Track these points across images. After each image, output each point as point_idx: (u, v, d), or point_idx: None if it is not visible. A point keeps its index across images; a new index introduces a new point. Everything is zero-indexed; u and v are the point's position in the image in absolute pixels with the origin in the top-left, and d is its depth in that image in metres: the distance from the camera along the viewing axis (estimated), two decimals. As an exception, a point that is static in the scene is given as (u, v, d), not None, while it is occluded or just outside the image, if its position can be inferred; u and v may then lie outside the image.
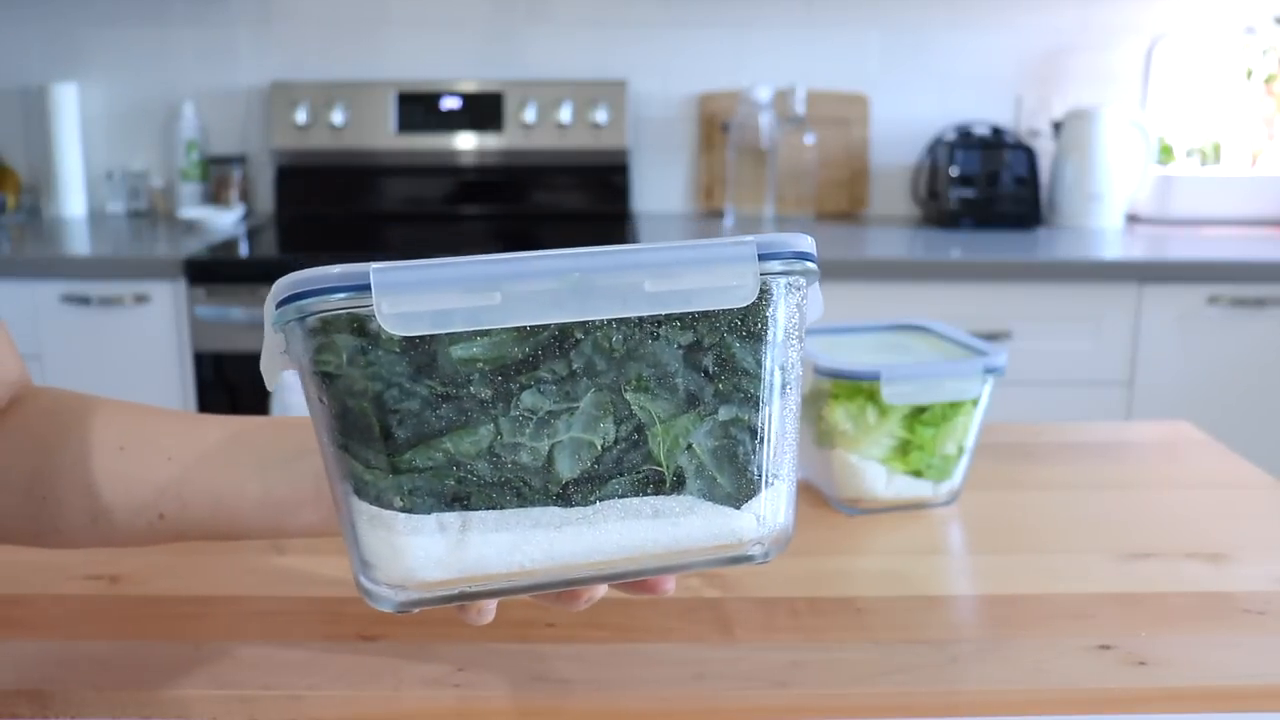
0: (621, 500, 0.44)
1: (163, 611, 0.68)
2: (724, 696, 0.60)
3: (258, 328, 1.82)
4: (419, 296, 0.41)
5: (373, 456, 0.43)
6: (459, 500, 0.43)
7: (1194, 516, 0.84)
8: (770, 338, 0.44)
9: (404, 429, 0.42)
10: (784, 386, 0.45)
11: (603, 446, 0.44)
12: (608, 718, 0.60)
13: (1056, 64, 2.31)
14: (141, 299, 1.86)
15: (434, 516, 0.43)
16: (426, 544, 0.43)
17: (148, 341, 1.87)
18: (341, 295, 0.41)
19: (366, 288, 0.41)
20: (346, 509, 0.44)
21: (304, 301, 0.42)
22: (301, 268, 0.43)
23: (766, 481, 0.46)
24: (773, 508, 0.46)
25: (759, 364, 0.45)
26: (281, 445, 0.53)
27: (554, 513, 0.44)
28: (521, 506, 0.44)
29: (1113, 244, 2.08)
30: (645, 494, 0.45)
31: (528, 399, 0.43)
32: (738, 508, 0.45)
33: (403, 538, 0.43)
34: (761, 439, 0.45)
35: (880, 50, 2.31)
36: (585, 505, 0.44)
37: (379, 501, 0.43)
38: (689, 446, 0.45)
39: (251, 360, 1.87)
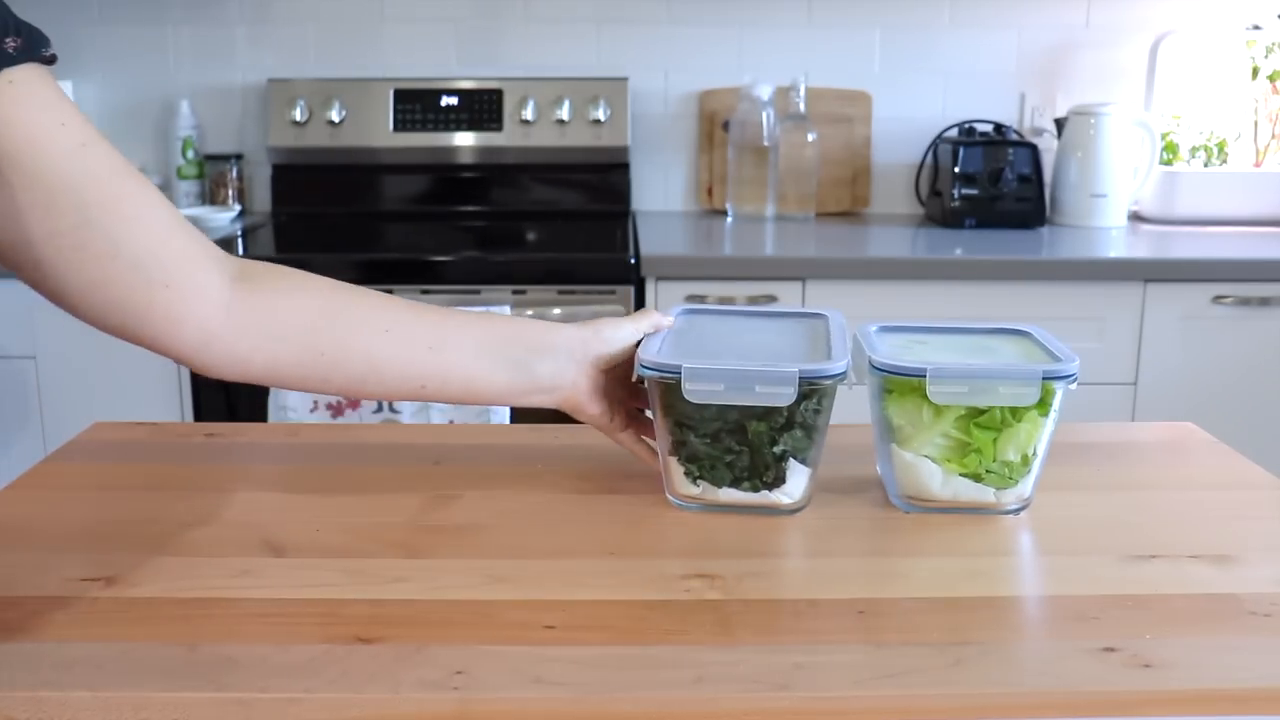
0: None
1: (158, 613, 0.68)
2: (724, 699, 0.60)
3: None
4: None
5: None
6: None
7: (1199, 518, 0.83)
8: None
9: None
10: None
11: None
12: (607, 721, 0.59)
13: (1060, 61, 2.31)
14: (140, 297, 1.85)
15: None
16: None
17: (146, 340, 1.87)
18: None
19: None
20: None
21: None
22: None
23: None
24: None
25: None
26: (520, 345, 0.77)
27: None
28: None
29: (1117, 243, 2.07)
30: None
31: None
32: None
33: None
34: None
35: (882, 47, 2.31)
36: None
37: None
38: None
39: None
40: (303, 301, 0.71)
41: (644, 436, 0.86)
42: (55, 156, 0.61)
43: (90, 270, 0.64)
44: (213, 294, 0.67)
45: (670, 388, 0.79)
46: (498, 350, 0.76)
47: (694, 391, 0.78)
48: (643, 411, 0.87)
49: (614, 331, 0.81)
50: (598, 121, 2.23)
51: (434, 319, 0.76)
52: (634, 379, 0.81)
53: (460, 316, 0.78)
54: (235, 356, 0.69)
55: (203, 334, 0.67)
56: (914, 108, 2.31)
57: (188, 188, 2.28)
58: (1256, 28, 2.23)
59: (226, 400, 1.93)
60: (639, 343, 0.82)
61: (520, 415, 1.77)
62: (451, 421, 1.71)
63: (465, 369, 0.75)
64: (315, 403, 1.71)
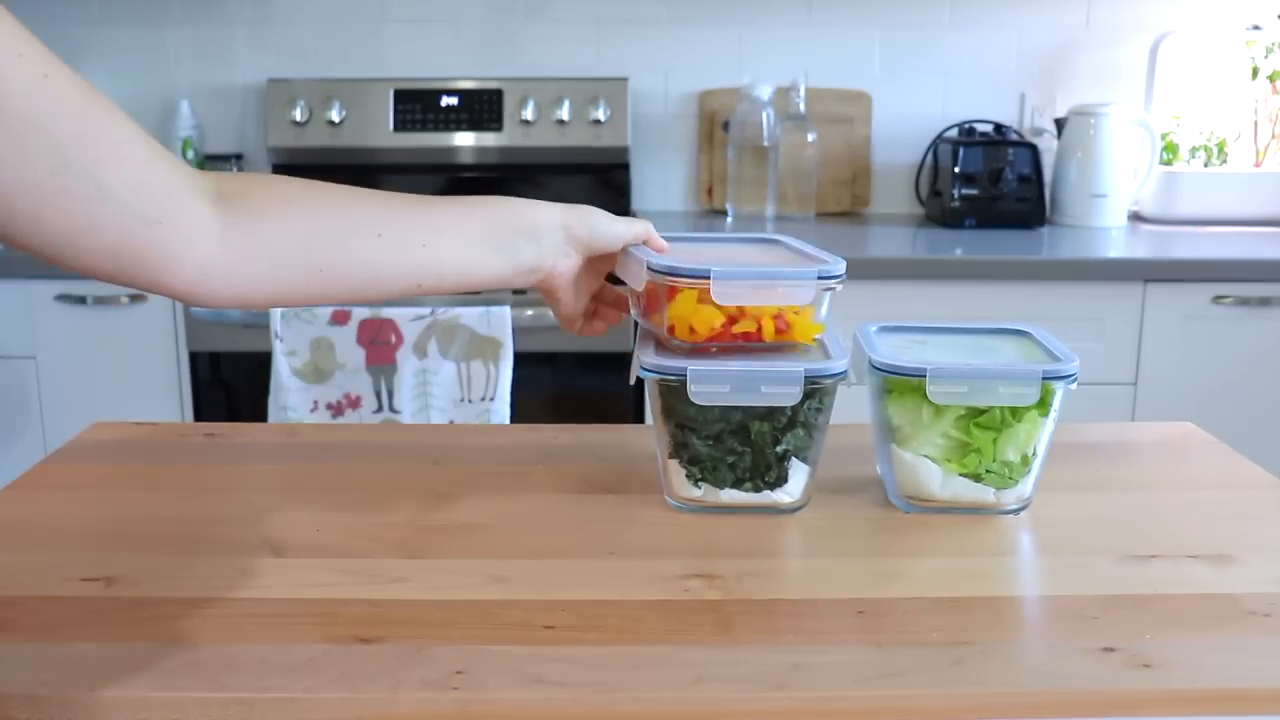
0: None
1: (158, 613, 0.68)
2: (724, 699, 0.60)
3: (254, 327, 1.81)
4: None
5: None
6: None
7: (1199, 518, 0.84)
8: None
9: None
10: None
11: None
12: (607, 721, 0.59)
13: (1060, 61, 2.31)
14: (137, 298, 1.85)
15: None
16: None
17: (143, 341, 1.87)
18: None
19: None
20: None
21: None
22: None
23: None
24: None
25: None
26: (508, 229, 0.77)
27: None
28: None
29: (1117, 243, 2.07)
30: None
31: None
32: None
33: None
34: None
35: (882, 47, 2.31)
36: None
37: None
38: None
39: (247, 359, 1.87)
40: (295, 221, 0.68)
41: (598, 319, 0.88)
42: (16, 95, 0.53)
43: (78, 217, 0.57)
44: (204, 226, 0.63)
45: (672, 390, 0.79)
46: (488, 237, 0.76)
47: (699, 393, 0.78)
48: (606, 305, 0.88)
49: (602, 223, 0.81)
50: (598, 121, 2.23)
51: (423, 212, 0.74)
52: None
53: (449, 206, 0.76)
54: (234, 288, 0.66)
55: (200, 271, 0.63)
56: (914, 108, 2.31)
57: (188, 188, 2.28)
58: (1256, 28, 2.23)
59: (226, 400, 1.93)
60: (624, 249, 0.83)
61: (520, 412, 1.77)
62: (451, 421, 1.71)
63: (458, 260, 0.75)
64: (315, 403, 1.71)
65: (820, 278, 0.80)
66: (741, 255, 0.88)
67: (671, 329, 0.81)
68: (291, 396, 1.70)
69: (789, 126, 2.21)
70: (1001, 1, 2.28)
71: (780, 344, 0.82)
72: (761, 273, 0.81)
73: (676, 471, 0.82)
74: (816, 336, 0.83)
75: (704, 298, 0.79)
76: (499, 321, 1.72)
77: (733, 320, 0.80)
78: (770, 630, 0.66)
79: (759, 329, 0.81)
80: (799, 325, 0.82)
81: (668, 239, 0.88)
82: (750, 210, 2.22)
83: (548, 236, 0.78)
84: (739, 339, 0.81)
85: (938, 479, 0.81)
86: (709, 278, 0.78)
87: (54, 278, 1.85)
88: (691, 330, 0.81)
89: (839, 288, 0.81)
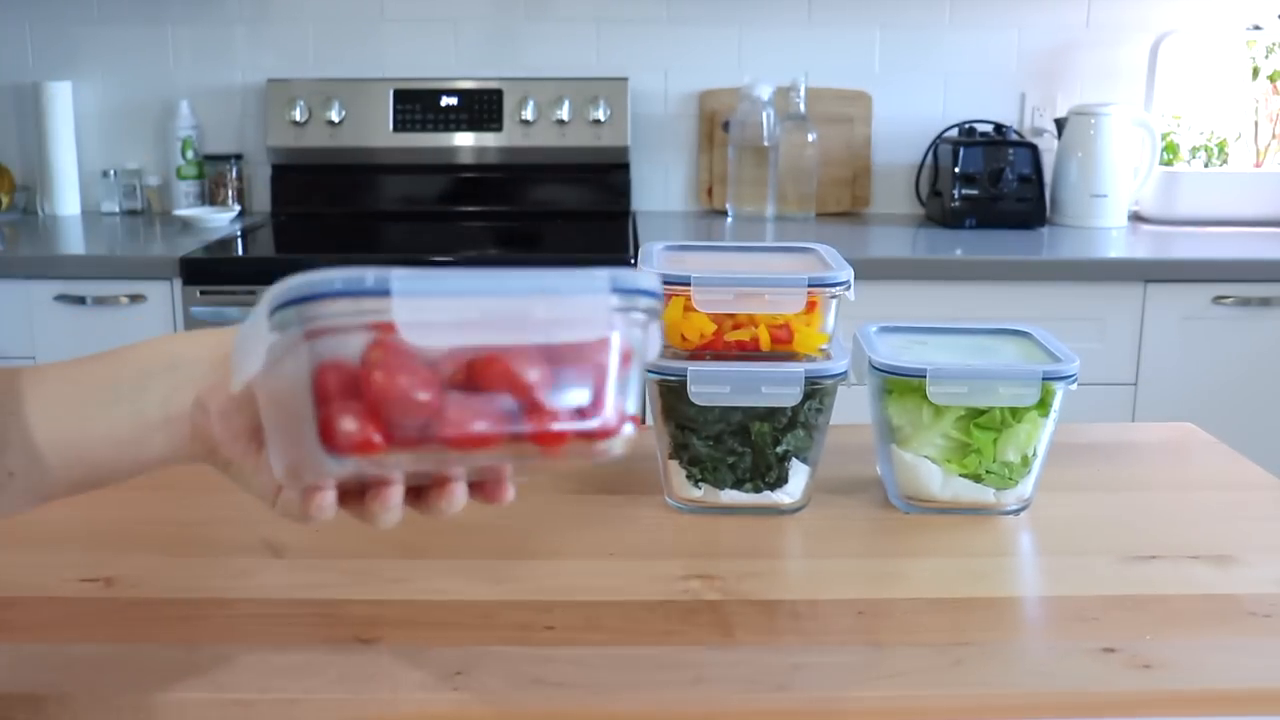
0: None
1: (158, 614, 0.68)
2: (724, 700, 0.60)
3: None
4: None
5: None
6: None
7: (1199, 518, 0.83)
8: None
9: None
10: None
11: None
12: (607, 722, 0.59)
13: (1060, 61, 2.31)
14: (137, 298, 1.85)
15: None
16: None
17: (146, 340, 1.87)
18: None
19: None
20: None
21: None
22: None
23: None
24: None
25: None
26: (121, 375, 0.51)
27: None
28: None
29: (1117, 243, 2.07)
30: None
31: None
32: None
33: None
34: None
35: (882, 47, 2.31)
36: None
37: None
38: None
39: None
40: None
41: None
42: None
43: None
44: None
45: (672, 390, 0.79)
46: (100, 390, 0.51)
47: (700, 394, 0.77)
48: None
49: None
50: (598, 121, 2.23)
51: (22, 378, 0.52)
52: None
53: (55, 365, 0.53)
54: None
55: None
56: (914, 108, 2.31)
57: (187, 188, 2.28)
58: (1257, 28, 2.23)
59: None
60: None
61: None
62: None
63: (56, 429, 0.50)
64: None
65: (813, 285, 0.78)
66: (764, 265, 0.86)
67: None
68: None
69: (789, 126, 2.21)
70: (1002, 1, 2.28)
71: (779, 354, 0.80)
72: (745, 280, 0.79)
73: (676, 472, 0.82)
74: (822, 346, 0.82)
75: (691, 305, 0.78)
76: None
77: (727, 328, 0.80)
78: (770, 631, 0.66)
79: (755, 338, 0.80)
80: (802, 335, 0.81)
81: (700, 249, 0.86)
82: (750, 210, 2.22)
83: (187, 364, 0.51)
84: (733, 347, 0.80)
85: (938, 479, 0.81)
86: (689, 284, 0.77)
87: (53, 277, 1.85)
88: (683, 338, 0.80)
89: (848, 296, 0.80)
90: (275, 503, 0.53)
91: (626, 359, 0.47)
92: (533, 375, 0.45)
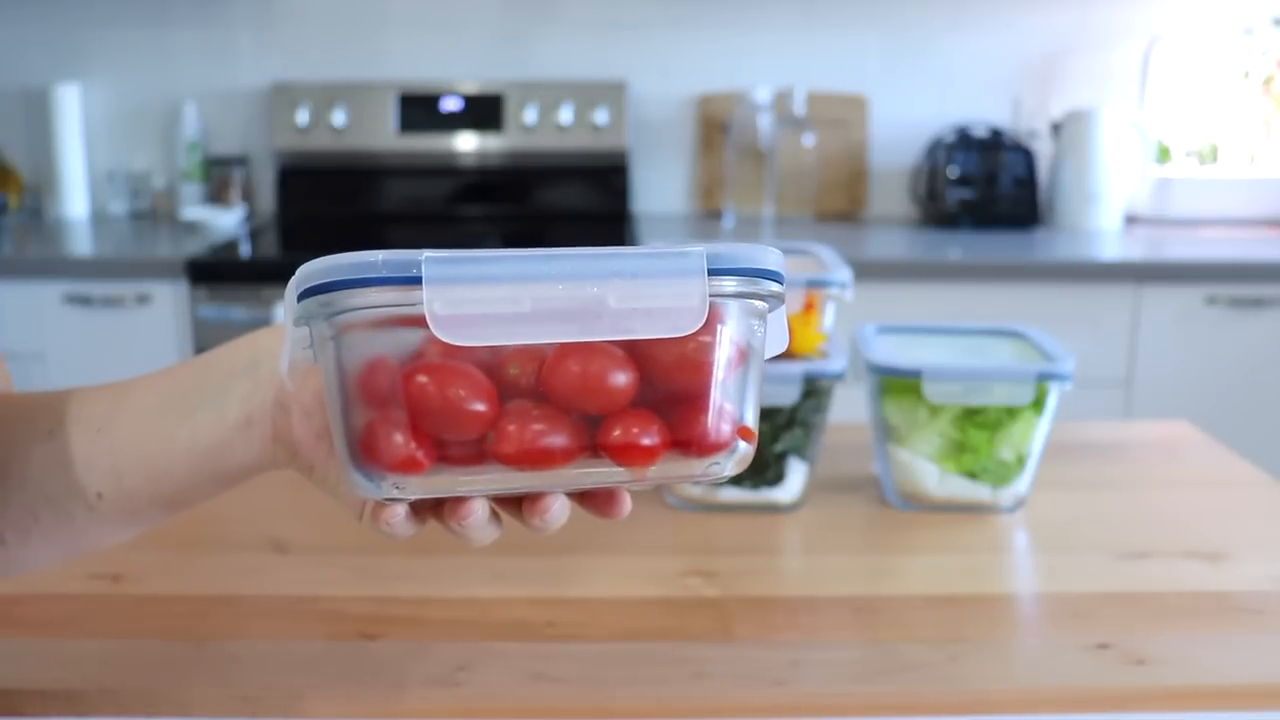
0: None
1: (164, 610, 0.68)
2: (722, 695, 0.60)
3: (259, 328, 1.81)
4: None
5: None
6: None
7: (1192, 516, 0.84)
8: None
9: None
10: None
11: None
12: (607, 717, 0.60)
13: (1055, 65, 2.32)
14: (143, 299, 1.86)
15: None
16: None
17: (149, 342, 1.87)
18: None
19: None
20: None
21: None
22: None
23: None
24: None
25: None
26: (207, 379, 0.48)
27: None
28: None
29: (1111, 244, 2.08)
30: None
31: None
32: None
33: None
34: None
35: (879, 51, 2.32)
36: None
37: None
38: None
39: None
40: None
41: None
42: None
43: None
44: None
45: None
46: (184, 397, 0.48)
47: None
48: None
49: None
50: (598, 125, 2.24)
51: (112, 393, 0.50)
52: None
53: (145, 377, 0.50)
54: None
55: None
56: (911, 111, 2.32)
57: (193, 190, 2.28)
58: (1249, 31, 2.24)
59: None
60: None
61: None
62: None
63: (139, 439, 0.48)
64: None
65: (811, 286, 0.78)
66: None
67: None
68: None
69: (787, 130, 2.22)
70: (997, 5, 2.29)
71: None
72: None
73: (676, 471, 0.83)
74: (819, 345, 0.83)
75: None
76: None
77: None
78: (769, 627, 0.67)
79: None
80: (800, 335, 0.81)
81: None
82: (749, 213, 2.23)
83: (264, 368, 0.48)
84: None
85: (934, 478, 0.82)
86: None
87: (61, 278, 1.86)
88: None
89: (846, 296, 0.80)
90: (362, 515, 0.46)
91: (741, 358, 0.38)
92: (618, 379, 0.37)
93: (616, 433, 0.37)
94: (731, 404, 0.39)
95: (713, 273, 0.37)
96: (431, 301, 0.35)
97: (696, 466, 0.39)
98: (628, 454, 0.38)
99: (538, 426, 0.37)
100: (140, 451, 0.48)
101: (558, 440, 0.37)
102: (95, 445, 0.48)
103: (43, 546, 0.50)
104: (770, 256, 0.39)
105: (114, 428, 0.48)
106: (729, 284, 0.38)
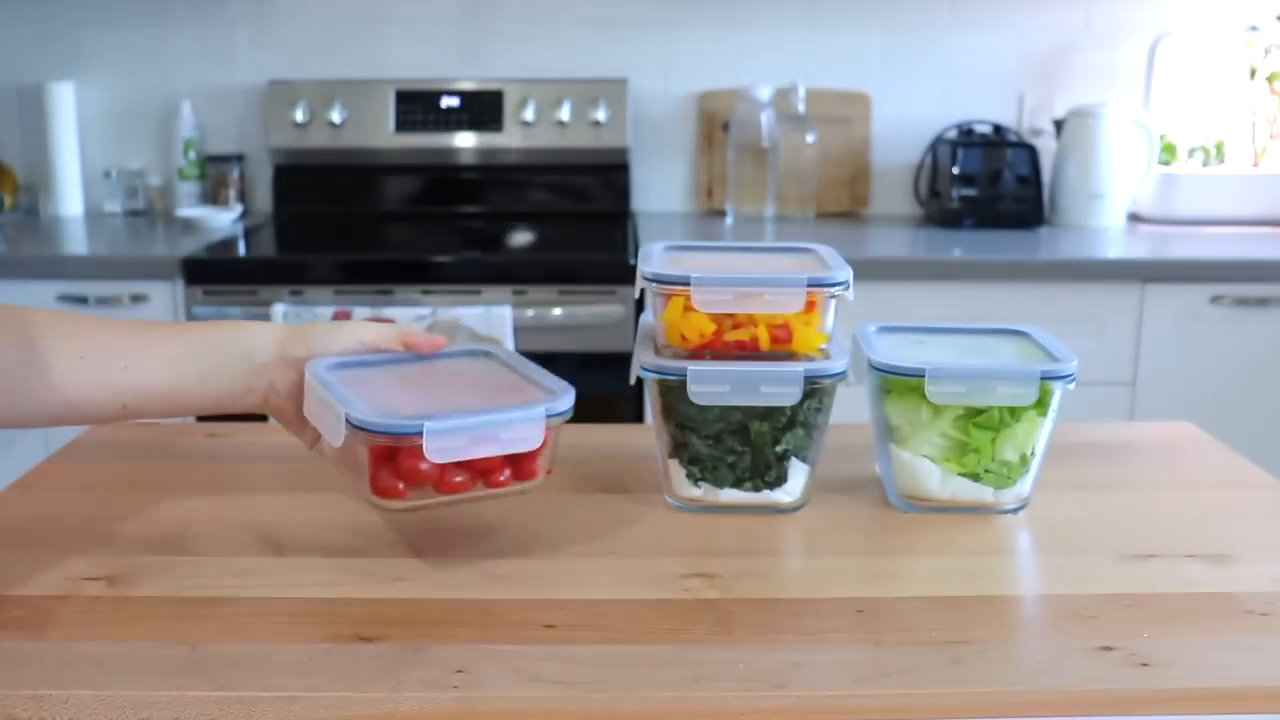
0: None
1: (160, 613, 0.68)
2: (723, 698, 0.60)
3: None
4: None
5: None
6: None
7: (1197, 517, 0.84)
8: None
9: None
10: None
11: None
12: (606, 719, 0.59)
13: (1059, 62, 2.31)
14: (139, 298, 1.86)
15: None
16: None
17: (147, 341, 1.87)
18: None
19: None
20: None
21: None
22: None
23: None
24: None
25: None
26: (218, 353, 0.76)
27: None
28: None
29: (1115, 243, 2.08)
30: None
31: None
32: None
33: None
34: None
35: (882, 48, 2.31)
36: None
37: None
38: None
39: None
40: None
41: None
42: None
43: None
44: None
45: (671, 389, 0.80)
46: (194, 361, 0.75)
47: (699, 394, 0.78)
48: None
49: (322, 339, 0.78)
50: (598, 122, 2.24)
51: (130, 336, 0.75)
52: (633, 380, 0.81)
53: (157, 331, 0.77)
54: None
55: None
56: (913, 109, 2.32)
57: (189, 188, 2.28)
58: (1254, 29, 2.23)
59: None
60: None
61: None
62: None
63: (163, 383, 0.74)
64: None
65: (812, 285, 0.78)
66: (764, 265, 0.86)
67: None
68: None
69: (788, 127, 2.22)
70: (1000, 2, 2.28)
71: (779, 353, 0.80)
72: (745, 280, 0.79)
73: (676, 471, 0.83)
74: (820, 345, 0.83)
75: (691, 305, 0.79)
76: (499, 321, 1.72)
77: (726, 327, 0.80)
78: (770, 629, 0.67)
79: (755, 338, 0.80)
80: (801, 334, 0.81)
81: (700, 250, 0.86)
82: (750, 211, 2.22)
83: (260, 355, 0.76)
84: (733, 347, 0.80)
85: (936, 479, 0.82)
86: (689, 284, 0.77)
87: (56, 277, 1.86)
88: (683, 338, 0.80)
89: (848, 296, 0.80)
90: (311, 445, 0.80)
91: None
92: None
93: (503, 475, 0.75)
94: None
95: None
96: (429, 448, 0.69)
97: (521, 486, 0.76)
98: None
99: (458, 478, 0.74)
100: (164, 389, 0.75)
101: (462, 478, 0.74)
102: (123, 378, 0.74)
103: (52, 422, 0.74)
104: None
105: (140, 371, 0.74)
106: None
